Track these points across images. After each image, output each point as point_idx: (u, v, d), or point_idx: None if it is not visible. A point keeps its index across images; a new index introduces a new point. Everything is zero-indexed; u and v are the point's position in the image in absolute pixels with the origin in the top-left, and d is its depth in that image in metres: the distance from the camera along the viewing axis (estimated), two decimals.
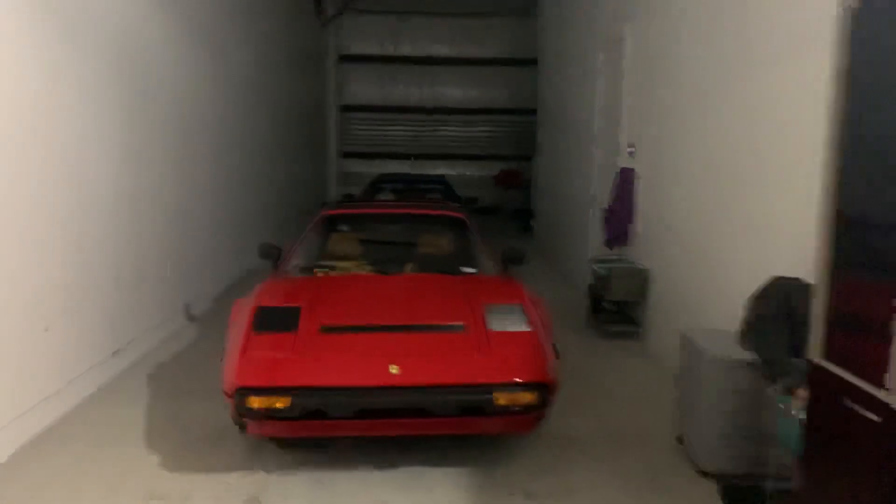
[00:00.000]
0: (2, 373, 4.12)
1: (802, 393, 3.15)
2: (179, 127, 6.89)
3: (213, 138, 7.99)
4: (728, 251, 4.85)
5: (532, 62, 14.14)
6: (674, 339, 5.64)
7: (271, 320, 4.03)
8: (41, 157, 4.51)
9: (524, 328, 4.07)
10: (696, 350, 4.07)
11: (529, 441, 4.34)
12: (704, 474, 3.97)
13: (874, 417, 2.30)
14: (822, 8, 3.58)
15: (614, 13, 7.77)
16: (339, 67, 17.55)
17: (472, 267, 5.26)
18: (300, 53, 13.74)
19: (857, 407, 2.40)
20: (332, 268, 5.10)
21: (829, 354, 2.64)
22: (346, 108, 17.93)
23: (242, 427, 3.74)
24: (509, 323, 4.09)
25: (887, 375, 2.28)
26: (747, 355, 3.72)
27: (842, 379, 2.52)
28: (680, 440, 4.38)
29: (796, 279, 3.64)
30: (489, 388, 3.66)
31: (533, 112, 13.88)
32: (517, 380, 3.71)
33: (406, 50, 17.67)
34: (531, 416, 3.83)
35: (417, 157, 17.80)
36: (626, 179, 7.01)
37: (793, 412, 3.20)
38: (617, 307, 6.83)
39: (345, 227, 5.89)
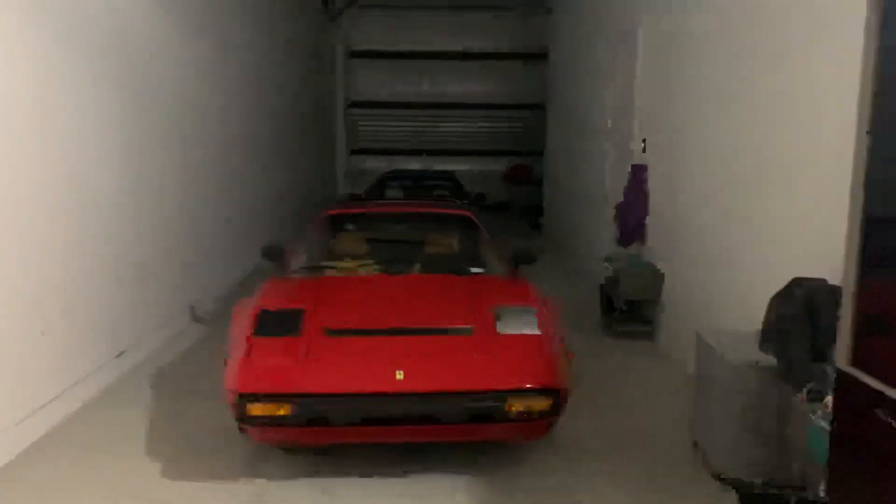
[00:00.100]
0: (1, 376, 4.03)
1: (828, 400, 3.01)
2: (182, 125, 6.79)
3: (217, 136, 7.88)
4: (746, 250, 4.70)
5: (542, 56, 13.96)
6: (688, 340, 5.49)
7: (274, 324, 3.92)
8: (39, 156, 4.42)
9: (535, 331, 3.94)
10: (713, 352, 3.92)
11: (539, 445, 4.21)
12: (722, 481, 3.82)
13: None
14: None
15: (628, 4, 7.60)
16: (348, 63, 17.41)
17: (481, 267, 5.13)
18: (307, 49, 13.63)
19: (887, 417, 2.27)
20: (337, 269, 4.98)
21: (857, 361, 2.50)
22: (355, 105, 17.80)
23: (244, 429, 3.64)
24: (519, 326, 3.96)
25: None
26: (767, 359, 3.57)
27: (870, 387, 2.38)
28: (695, 444, 4.24)
29: (820, 280, 3.49)
30: (499, 394, 3.53)
31: (543, 107, 13.71)
32: (528, 386, 3.58)
33: (414, 45, 17.50)
34: (542, 423, 3.70)
35: (428, 153, 17.64)
36: (638, 175, 6.86)
37: (818, 420, 3.06)
38: (629, 307, 6.67)
39: (349, 227, 5.77)
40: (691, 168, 5.70)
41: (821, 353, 3.38)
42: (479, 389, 3.57)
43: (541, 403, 3.54)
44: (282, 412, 3.42)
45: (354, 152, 17.97)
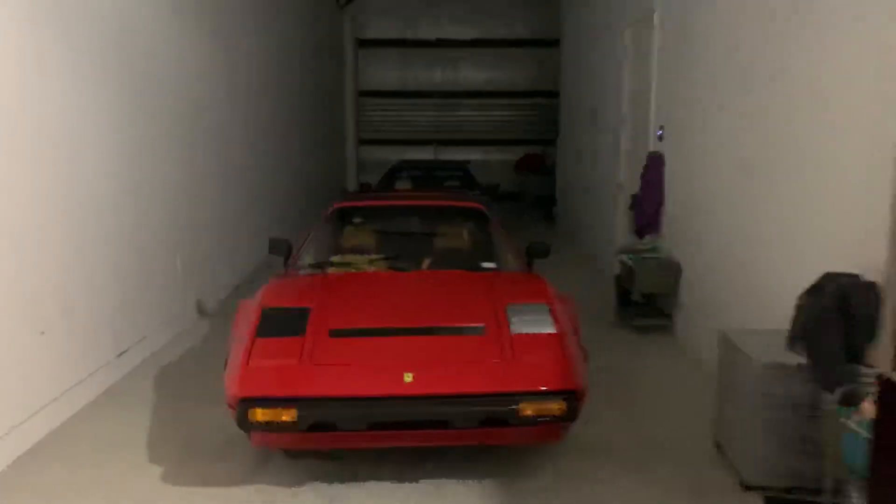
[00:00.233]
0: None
1: (868, 406, 2.82)
2: (185, 118, 6.62)
3: (222, 129, 7.71)
4: (771, 243, 4.48)
5: (555, 42, 13.69)
6: (708, 335, 5.32)
7: (277, 323, 3.75)
8: (34, 152, 4.27)
9: (550, 330, 3.75)
10: (739, 352, 3.73)
11: (554, 448, 4.04)
12: (748, 488, 3.64)
13: None
14: None
15: None
16: (357, 52, 17.21)
17: (493, 262, 4.93)
18: (315, 38, 13.43)
19: None
20: (344, 264, 4.81)
21: None
22: (365, 94, 17.61)
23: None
24: (534, 324, 3.77)
25: None
26: (798, 359, 3.37)
27: None
28: (718, 446, 4.06)
29: (854, 275, 3.28)
30: (513, 397, 3.35)
31: (556, 94, 13.45)
32: (543, 388, 3.40)
33: (425, 32, 17.27)
34: (558, 426, 3.53)
35: (439, 142, 17.44)
36: (655, 164, 6.64)
37: (854, 426, 2.87)
38: (646, 300, 6.48)
39: (357, 221, 5.59)
40: (711, 156, 5.48)
41: (855, 353, 3.18)
42: (491, 392, 3.40)
43: (557, 406, 3.36)
44: (284, 417, 3.26)
45: (364, 142, 17.79)
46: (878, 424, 2.45)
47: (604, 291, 7.32)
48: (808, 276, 3.43)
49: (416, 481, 3.72)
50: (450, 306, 4.07)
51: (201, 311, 6.73)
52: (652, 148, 6.81)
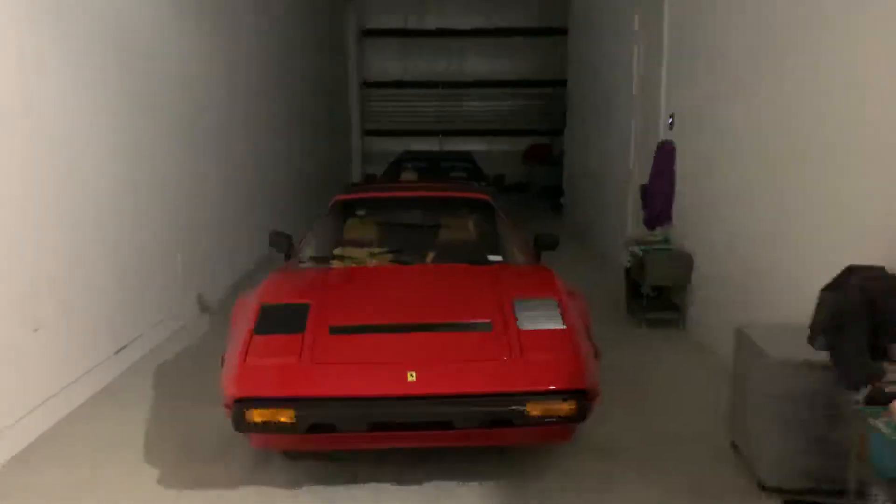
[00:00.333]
0: None
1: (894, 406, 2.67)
2: (186, 114, 6.47)
3: (223, 124, 7.55)
4: (788, 234, 4.32)
5: (562, 31, 13.47)
6: (722, 329, 5.16)
7: (276, 320, 3.62)
8: (31, 150, 4.15)
9: (559, 326, 3.60)
10: (756, 348, 3.58)
11: (563, 449, 3.90)
12: (765, 489, 3.50)
13: None
14: None
15: None
16: (361, 42, 17.02)
17: (500, 255, 4.78)
18: (318, 29, 13.25)
19: None
20: (346, 258, 4.67)
21: None
22: (369, 85, 17.44)
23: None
24: (542, 320, 3.62)
25: None
26: (819, 356, 3.21)
27: None
28: (733, 446, 3.92)
29: (879, 268, 3.12)
30: (520, 397, 3.21)
31: (563, 83, 13.26)
32: (552, 387, 3.26)
33: (429, 22, 17.08)
34: (567, 426, 3.39)
35: (444, 133, 17.27)
36: (665, 153, 6.47)
37: (881, 427, 2.72)
38: (657, 293, 6.32)
39: (360, 214, 5.44)
40: (724, 145, 5.31)
41: (881, 350, 3.03)
42: (498, 392, 3.25)
43: (566, 407, 3.22)
44: (282, 418, 3.13)
45: (369, 134, 17.64)
46: None
47: (613, 284, 7.16)
48: (830, 269, 3.27)
49: (419, 483, 3.59)
50: (454, 301, 3.92)
51: (203, 306, 6.60)
52: (662, 136, 6.64)
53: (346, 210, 5.43)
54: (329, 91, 14.16)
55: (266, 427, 3.17)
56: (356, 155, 17.13)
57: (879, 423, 2.73)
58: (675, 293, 6.24)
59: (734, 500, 3.49)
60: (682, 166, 6.24)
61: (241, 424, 3.17)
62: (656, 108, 6.84)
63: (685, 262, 5.95)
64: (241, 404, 3.17)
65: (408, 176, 10.62)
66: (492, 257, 4.69)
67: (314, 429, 3.17)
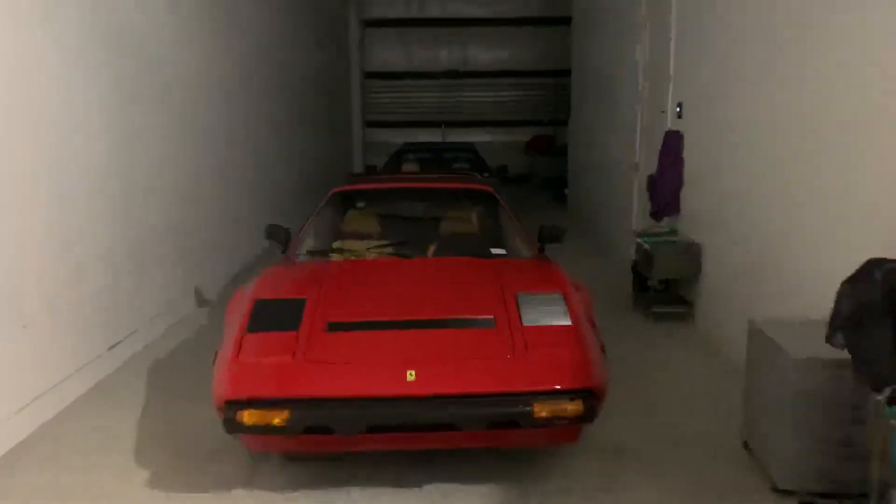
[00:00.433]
0: None
1: None
2: (183, 101, 6.32)
3: (223, 112, 7.40)
4: (805, 225, 4.16)
5: (566, 20, 13.27)
6: (732, 323, 5.03)
7: (270, 316, 3.48)
8: (14, 133, 3.99)
9: (565, 322, 3.46)
10: (771, 345, 3.43)
11: (566, 449, 3.75)
12: (779, 491, 3.35)
13: None
14: None
15: None
16: (362, 32, 16.83)
17: (503, 248, 4.63)
18: (319, 18, 13.06)
19: None
20: (345, 251, 4.52)
21: None
22: (370, 75, 17.25)
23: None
24: (547, 316, 3.48)
25: None
26: (838, 354, 3.06)
27: None
28: (746, 446, 3.77)
29: None
30: (525, 397, 3.07)
31: (567, 73, 13.06)
32: (558, 387, 3.11)
33: (431, 11, 16.87)
34: (574, 427, 3.24)
35: (446, 124, 17.08)
36: (673, 143, 6.30)
37: None
38: (665, 286, 6.17)
39: (359, 206, 5.28)
40: (734, 134, 5.14)
41: None
42: (502, 392, 3.11)
43: (573, 407, 3.08)
44: (276, 420, 2.99)
45: (371, 125, 17.46)
46: None
47: (619, 277, 7.01)
48: (844, 261, 3.12)
49: (419, 486, 3.45)
50: (456, 296, 3.77)
51: (201, 300, 6.47)
52: (670, 126, 6.46)
53: (343, 202, 5.28)
54: (330, 82, 13.98)
55: (258, 429, 3.03)
56: (358, 146, 16.95)
57: None
58: (682, 286, 6.09)
59: (746, 502, 3.35)
60: (690, 156, 6.07)
61: (233, 427, 3.04)
62: (663, 97, 6.67)
63: (693, 255, 5.79)
64: (233, 406, 3.04)
65: (409, 167, 10.46)
66: (495, 250, 4.54)
67: (309, 431, 3.04)
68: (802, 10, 4.17)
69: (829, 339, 3.08)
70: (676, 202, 6.28)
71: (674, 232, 6.25)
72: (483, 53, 17.09)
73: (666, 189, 6.35)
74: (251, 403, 3.04)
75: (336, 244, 4.63)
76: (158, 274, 5.73)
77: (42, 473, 3.64)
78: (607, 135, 9.35)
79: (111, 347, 4.94)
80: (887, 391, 2.78)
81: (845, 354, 2.98)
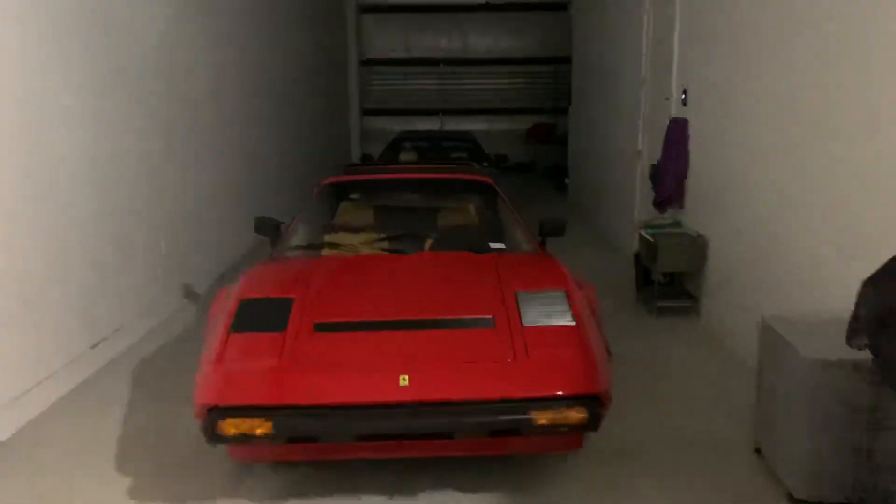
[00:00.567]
0: None
1: None
2: (170, 92, 6.08)
3: (211, 103, 7.16)
4: (819, 217, 3.95)
5: (566, 6, 13.02)
6: (738, 318, 4.85)
7: (256, 317, 3.28)
8: None
9: (568, 322, 3.26)
10: (785, 345, 3.24)
11: (573, 453, 3.55)
12: (795, 501, 3.17)
13: None
14: None
15: None
16: (359, 19, 16.56)
17: (503, 242, 4.42)
18: (314, 3, 12.78)
19: None
20: (336, 247, 4.32)
21: None
22: (368, 63, 16.99)
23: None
24: (549, 316, 3.28)
25: None
26: (859, 356, 2.86)
27: None
28: (758, 451, 3.59)
29: None
30: (525, 404, 2.89)
31: (568, 60, 12.82)
32: (560, 392, 2.92)
33: None
34: (577, 434, 3.06)
35: (444, 112, 16.84)
36: (678, 131, 6.09)
37: None
38: (669, 279, 5.97)
39: (353, 198, 5.07)
40: (742, 121, 4.93)
41: None
42: (500, 398, 2.92)
43: (576, 414, 2.89)
44: (259, 430, 2.80)
45: (368, 113, 17.21)
46: None
47: (621, 269, 6.81)
48: (856, 255, 2.94)
49: (414, 495, 3.27)
50: (453, 294, 3.57)
51: (186, 297, 6.25)
52: (675, 113, 6.25)
53: (335, 194, 5.07)
54: (325, 69, 13.72)
55: (241, 439, 2.84)
56: (355, 135, 16.72)
57: None
58: (687, 280, 5.90)
59: None
60: (695, 145, 5.86)
61: (213, 436, 2.85)
62: (667, 84, 6.45)
63: (699, 247, 5.59)
64: (214, 413, 2.84)
65: (407, 156, 10.24)
66: (494, 245, 4.33)
67: (295, 440, 2.85)
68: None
69: (849, 340, 2.88)
70: (681, 192, 6.08)
71: (678, 223, 6.05)
72: (483, 40, 16.83)
73: (670, 178, 6.14)
74: (233, 411, 2.85)
75: (328, 239, 4.43)
76: (143, 270, 5.52)
77: (19, 479, 3.47)
78: (609, 123, 9.13)
79: (94, 346, 4.75)
80: None
81: (864, 356, 2.80)
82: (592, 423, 2.92)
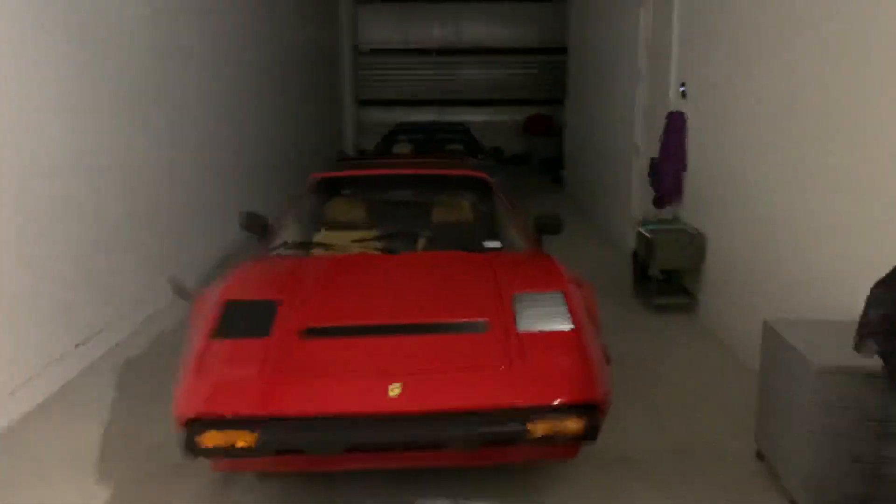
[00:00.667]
0: None
1: None
2: (153, 82, 5.90)
3: (195, 89, 6.98)
4: (822, 216, 3.83)
5: None
6: (737, 317, 4.75)
7: (239, 321, 3.15)
8: None
9: (566, 326, 3.14)
10: (789, 350, 3.13)
11: (571, 461, 3.44)
12: None
13: None
14: None
15: None
16: (354, 9, 16.35)
17: (498, 240, 4.29)
18: None
19: None
20: (325, 245, 4.18)
21: None
22: (362, 53, 16.78)
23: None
24: (546, 319, 3.16)
25: None
26: (868, 361, 2.75)
27: None
28: (760, 456, 3.48)
29: None
30: (520, 413, 2.76)
31: (563, 51, 12.66)
32: (557, 401, 2.80)
33: None
34: (574, 444, 2.94)
35: (441, 103, 16.65)
36: (676, 125, 5.96)
37: None
38: (667, 276, 5.85)
39: (344, 193, 4.92)
40: (742, 116, 4.81)
41: None
42: (494, 407, 2.79)
43: (574, 424, 2.77)
44: (241, 442, 2.67)
45: (364, 104, 17.02)
46: None
47: (618, 265, 6.69)
48: (865, 255, 2.82)
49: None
50: (446, 297, 3.45)
51: (177, 290, 6.08)
52: (673, 107, 6.11)
53: (323, 190, 4.91)
54: (318, 60, 13.52)
55: (222, 452, 2.71)
56: (350, 126, 16.52)
57: None
58: (686, 277, 5.78)
59: None
60: (694, 142, 5.73)
61: (193, 449, 2.71)
62: (665, 76, 6.31)
63: (697, 244, 5.47)
64: (193, 425, 2.71)
65: (401, 149, 10.08)
66: (489, 244, 4.20)
67: (280, 453, 2.72)
68: None
69: (857, 345, 2.78)
70: (679, 188, 5.95)
71: (676, 219, 5.93)
72: (480, 30, 16.64)
73: (668, 173, 6.02)
74: (214, 423, 2.72)
75: (317, 237, 4.28)
76: (128, 267, 5.37)
77: None
78: (606, 115, 8.99)
79: (77, 346, 4.61)
80: None
81: (872, 362, 2.69)
82: (591, 434, 2.80)
